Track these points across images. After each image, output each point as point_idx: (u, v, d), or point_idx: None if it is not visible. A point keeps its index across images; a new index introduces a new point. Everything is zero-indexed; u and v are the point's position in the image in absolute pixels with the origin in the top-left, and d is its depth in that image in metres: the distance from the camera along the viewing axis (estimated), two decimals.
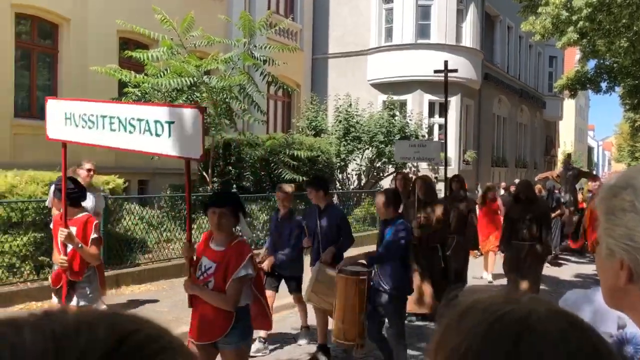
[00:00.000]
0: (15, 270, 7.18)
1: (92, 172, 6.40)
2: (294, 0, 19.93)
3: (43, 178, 7.71)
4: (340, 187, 16.26)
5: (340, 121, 16.13)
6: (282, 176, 11.83)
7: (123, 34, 12.76)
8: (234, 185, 10.74)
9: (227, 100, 10.42)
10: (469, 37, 19.88)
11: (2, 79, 10.92)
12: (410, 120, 16.84)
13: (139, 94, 10.16)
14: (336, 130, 16.08)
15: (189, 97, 10.16)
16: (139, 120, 3.39)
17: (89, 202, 6.06)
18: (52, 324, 0.35)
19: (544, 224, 6.97)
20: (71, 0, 12.08)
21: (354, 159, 16.20)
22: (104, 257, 8.07)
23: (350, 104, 16.41)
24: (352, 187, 16.82)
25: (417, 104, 18.90)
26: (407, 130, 16.24)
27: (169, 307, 6.96)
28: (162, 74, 10.00)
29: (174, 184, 11.60)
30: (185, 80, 9.71)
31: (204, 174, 11.33)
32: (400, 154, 7.73)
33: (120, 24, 10.73)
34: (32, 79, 12.04)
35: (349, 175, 16.84)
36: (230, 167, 12.08)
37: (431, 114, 19.39)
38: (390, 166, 16.70)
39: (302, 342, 6.01)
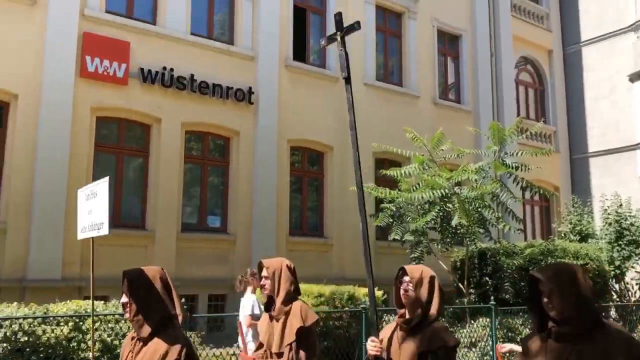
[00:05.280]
0: None
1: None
2: (545, 103, 19.39)
3: (312, 290, 8.45)
4: (617, 299, 14.30)
5: (610, 224, 14.52)
6: None
7: (378, 155, 13.85)
8: (492, 297, 10.28)
9: (479, 209, 10.31)
10: None
11: (281, 202, 12.64)
12: None
13: (394, 209, 10.71)
14: (606, 234, 14.47)
15: (442, 208, 10.33)
16: None
17: (257, 309, 6.55)
18: None
19: None
20: (335, 130, 13.69)
21: (633, 266, 14.22)
22: None
23: (621, 204, 14.75)
24: (633, 299, 14.65)
25: None
26: None
27: None
28: (414, 188, 10.44)
29: None
30: (437, 193, 9.95)
31: (460, 285, 11.11)
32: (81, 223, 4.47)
33: (375, 146, 11.69)
34: (303, 201, 13.66)
35: (627, 285, 14.76)
36: (487, 278, 11.66)
37: None
38: None
39: None
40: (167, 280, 2.85)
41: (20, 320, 6.17)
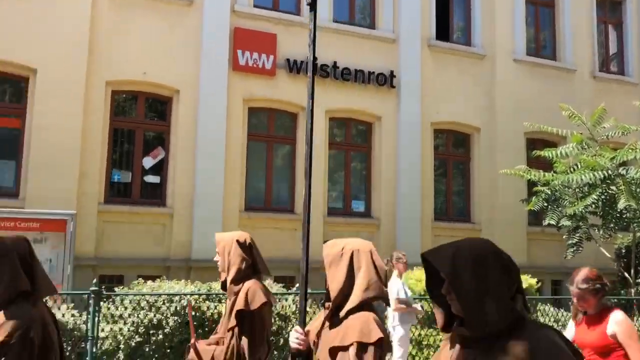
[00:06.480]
0: None
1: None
2: None
3: None
4: None
5: None
6: None
7: (530, 135, 13.04)
8: None
9: None
10: None
11: (426, 186, 12.44)
12: None
13: (549, 192, 10.05)
14: None
15: (604, 191, 9.50)
16: None
17: (402, 293, 7.24)
18: None
19: None
20: (480, 111, 13.14)
21: None
22: None
23: None
24: None
25: None
26: None
27: None
28: (572, 169, 9.72)
29: None
30: (599, 174, 9.16)
31: (626, 274, 10.17)
32: None
33: (527, 126, 11.03)
34: (448, 185, 13.33)
35: None
36: None
37: None
38: None
39: None
40: (26, 253, 2.50)
41: (188, 296, 6.76)
